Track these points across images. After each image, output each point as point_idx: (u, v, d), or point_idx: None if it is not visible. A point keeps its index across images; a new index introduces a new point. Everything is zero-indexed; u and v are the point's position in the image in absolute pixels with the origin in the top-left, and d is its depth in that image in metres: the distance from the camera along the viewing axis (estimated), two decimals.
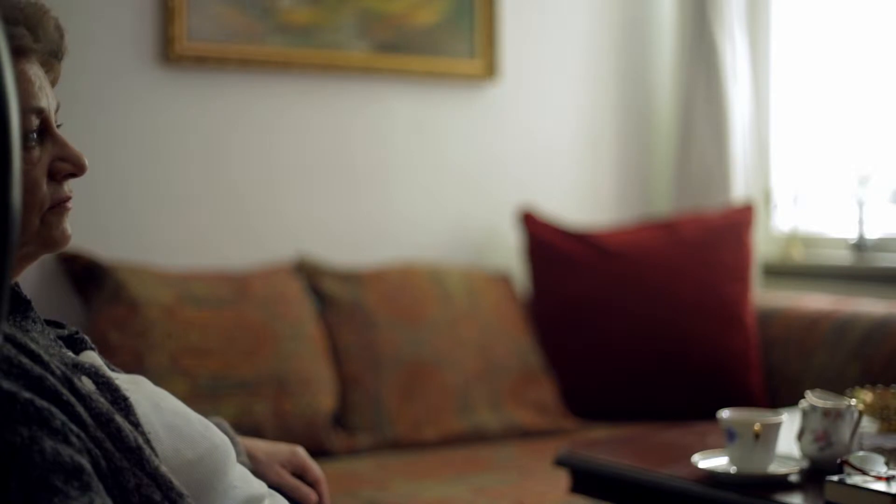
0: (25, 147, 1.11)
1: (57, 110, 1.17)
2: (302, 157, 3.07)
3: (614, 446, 2.11)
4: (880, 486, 1.55)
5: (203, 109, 2.93)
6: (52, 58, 1.19)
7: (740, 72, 3.34)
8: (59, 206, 1.15)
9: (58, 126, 1.17)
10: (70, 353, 1.16)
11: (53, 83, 1.20)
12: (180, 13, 2.85)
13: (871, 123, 3.18)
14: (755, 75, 3.42)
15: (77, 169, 1.16)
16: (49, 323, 1.20)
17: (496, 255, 3.30)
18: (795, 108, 3.39)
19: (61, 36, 1.19)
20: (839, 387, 2.32)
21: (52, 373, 1.01)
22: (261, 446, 1.43)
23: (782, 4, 3.40)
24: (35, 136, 1.12)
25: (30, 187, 1.11)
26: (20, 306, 1.14)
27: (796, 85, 3.38)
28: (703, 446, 1.92)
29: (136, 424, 1.09)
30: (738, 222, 3.12)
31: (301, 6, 3.02)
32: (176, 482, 1.07)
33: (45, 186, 1.13)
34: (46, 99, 1.14)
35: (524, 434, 2.91)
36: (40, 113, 1.13)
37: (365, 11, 3.11)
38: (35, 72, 1.14)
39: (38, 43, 1.15)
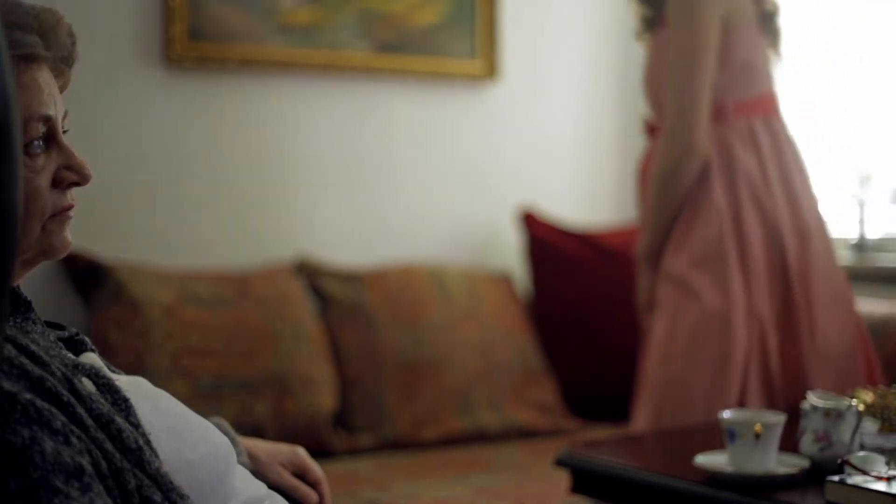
0: (30, 154, 1.11)
1: (65, 117, 1.17)
2: (303, 157, 3.07)
3: (614, 446, 2.12)
4: (881, 487, 1.55)
5: (204, 110, 2.94)
6: (62, 64, 1.19)
7: None
8: (61, 214, 1.15)
9: (64, 132, 1.17)
10: (70, 355, 1.16)
11: (63, 88, 1.20)
12: (181, 13, 2.85)
13: (872, 123, 3.17)
14: None
15: (81, 179, 1.16)
16: (49, 325, 1.20)
17: (497, 255, 3.30)
18: (796, 108, 3.38)
19: (73, 43, 1.20)
20: None
21: (53, 374, 1.01)
22: (262, 446, 1.43)
23: (782, 4, 3.39)
24: (41, 143, 1.13)
25: (32, 195, 1.11)
26: (20, 307, 1.14)
27: (797, 85, 3.38)
28: (704, 446, 1.93)
29: (137, 425, 1.09)
30: None
31: (302, 6, 3.03)
32: (177, 483, 1.07)
33: (47, 194, 1.13)
34: (54, 107, 1.14)
35: (524, 434, 2.91)
36: (47, 121, 1.13)
37: (366, 12, 3.11)
38: (45, 79, 1.14)
39: (50, 50, 1.15)
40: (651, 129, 2.51)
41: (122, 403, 1.10)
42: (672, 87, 2.34)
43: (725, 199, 2.33)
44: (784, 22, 2.60)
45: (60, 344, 1.17)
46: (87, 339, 1.23)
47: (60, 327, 1.22)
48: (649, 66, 2.47)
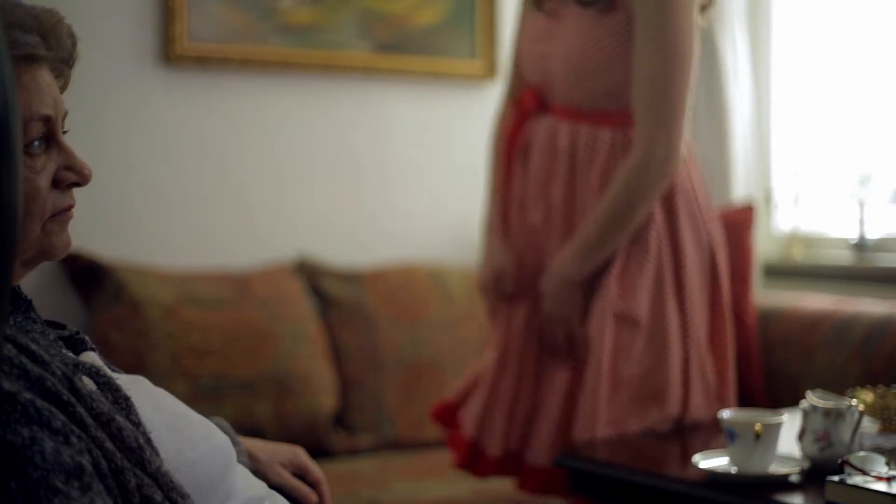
0: (30, 154, 1.11)
1: (65, 117, 1.18)
2: (303, 157, 3.07)
3: (614, 446, 2.11)
4: (881, 487, 1.55)
5: (204, 110, 2.94)
6: (63, 64, 1.19)
7: (740, 72, 3.33)
8: (61, 214, 1.15)
9: (65, 132, 1.17)
10: (70, 354, 1.16)
11: (63, 88, 1.20)
12: (181, 13, 2.85)
13: (872, 123, 3.17)
14: (755, 75, 3.42)
15: (81, 179, 1.16)
16: (50, 324, 1.20)
17: None
18: (796, 108, 3.39)
19: (73, 43, 1.20)
20: (840, 387, 2.32)
21: (53, 373, 1.01)
22: (262, 446, 1.43)
23: (782, 4, 3.40)
24: (41, 143, 1.13)
25: (32, 195, 1.11)
26: (21, 307, 1.14)
27: (796, 85, 3.38)
28: (703, 446, 1.92)
29: (138, 424, 1.09)
30: (738, 222, 3.11)
31: (302, 6, 3.03)
32: (178, 482, 1.07)
33: (47, 194, 1.13)
34: (54, 107, 1.14)
35: None
36: (47, 121, 1.13)
37: (366, 12, 3.11)
38: (45, 79, 1.14)
39: (51, 51, 1.15)
40: (538, 99, 2.25)
41: (122, 402, 1.10)
42: (650, 98, 2.08)
43: (665, 220, 2.17)
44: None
45: (60, 343, 1.17)
46: (87, 338, 1.23)
47: (61, 326, 1.22)
48: (582, 49, 2.14)
